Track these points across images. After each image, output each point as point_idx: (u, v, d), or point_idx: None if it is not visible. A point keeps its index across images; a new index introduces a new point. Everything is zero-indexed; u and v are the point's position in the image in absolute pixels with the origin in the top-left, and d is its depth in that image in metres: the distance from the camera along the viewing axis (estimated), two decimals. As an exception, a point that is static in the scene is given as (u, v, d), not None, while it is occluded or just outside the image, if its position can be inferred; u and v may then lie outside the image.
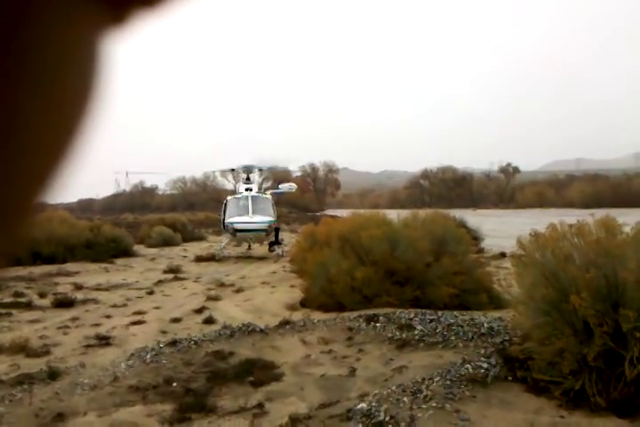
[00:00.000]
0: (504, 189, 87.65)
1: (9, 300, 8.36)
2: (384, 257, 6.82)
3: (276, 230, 15.40)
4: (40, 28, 0.19)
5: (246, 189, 15.97)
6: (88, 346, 5.61)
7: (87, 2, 0.21)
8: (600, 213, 4.43)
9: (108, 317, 7.22)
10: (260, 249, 16.80)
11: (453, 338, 4.75)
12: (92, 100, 0.22)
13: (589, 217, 4.16)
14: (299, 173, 79.73)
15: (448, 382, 3.66)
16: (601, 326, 3.43)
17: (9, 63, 0.19)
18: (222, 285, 9.99)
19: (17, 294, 8.87)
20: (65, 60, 0.20)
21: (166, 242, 20.18)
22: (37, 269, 12.33)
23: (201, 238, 24.07)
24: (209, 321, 6.59)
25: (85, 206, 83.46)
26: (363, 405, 3.41)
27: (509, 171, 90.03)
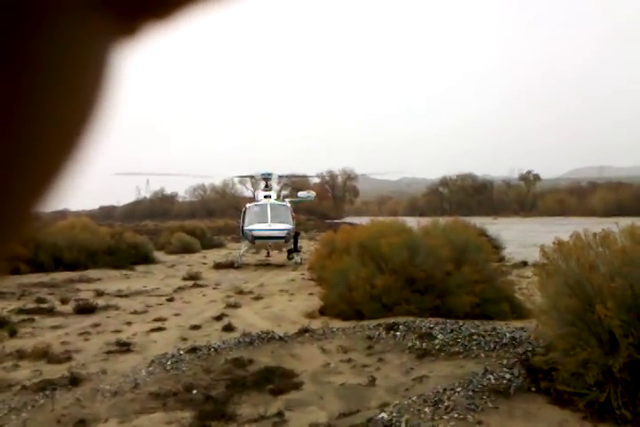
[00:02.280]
0: (525, 197, 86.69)
1: (32, 306, 8.47)
2: (404, 265, 6.78)
3: (296, 236, 15.43)
4: (51, 38, 0.20)
5: (265, 197, 16.03)
6: (109, 352, 5.65)
7: (98, 14, 0.21)
8: (624, 221, 4.36)
9: (129, 323, 7.28)
10: (278, 256, 16.83)
11: (475, 348, 4.70)
12: (99, 109, 0.22)
13: (602, 226, 4.10)
14: (317, 181, 79.76)
15: (470, 393, 3.62)
16: (626, 337, 3.36)
17: (19, 71, 0.19)
18: (241, 292, 10.02)
19: (39, 300, 8.99)
20: (75, 69, 0.21)
21: (186, 249, 20.32)
22: (60, 276, 12.50)
23: (220, 245, 24.17)
24: (228, 328, 6.60)
25: (107, 213, 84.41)
26: (383, 415, 3.38)
27: (530, 178, 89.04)
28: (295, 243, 15.58)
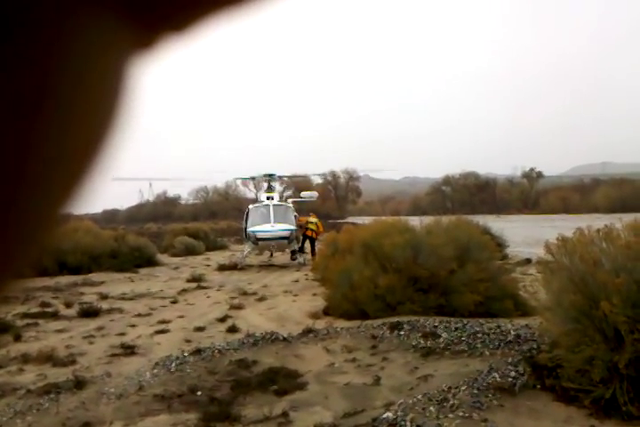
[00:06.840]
0: (528, 195, 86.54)
1: (36, 310, 8.48)
2: (407, 264, 6.77)
3: (312, 241, 15.87)
4: (72, 50, 0.21)
5: (267, 198, 16.04)
6: (113, 355, 5.65)
7: (117, 27, 0.22)
8: (628, 217, 4.35)
9: (133, 326, 7.28)
10: (281, 258, 16.82)
11: (479, 346, 4.68)
12: (117, 119, 0.23)
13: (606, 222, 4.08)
14: (320, 181, 79.81)
15: (475, 391, 3.60)
16: (632, 333, 3.34)
17: (39, 81, 0.20)
18: (245, 293, 10.01)
19: (44, 304, 8.99)
20: (94, 80, 0.22)
21: (189, 251, 20.34)
22: (63, 279, 12.52)
23: (223, 247, 24.18)
24: (232, 330, 6.59)
25: (110, 217, 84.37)
26: (388, 414, 3.37)
27: (533, 176, 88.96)
28: (303, 245, 15.89)
